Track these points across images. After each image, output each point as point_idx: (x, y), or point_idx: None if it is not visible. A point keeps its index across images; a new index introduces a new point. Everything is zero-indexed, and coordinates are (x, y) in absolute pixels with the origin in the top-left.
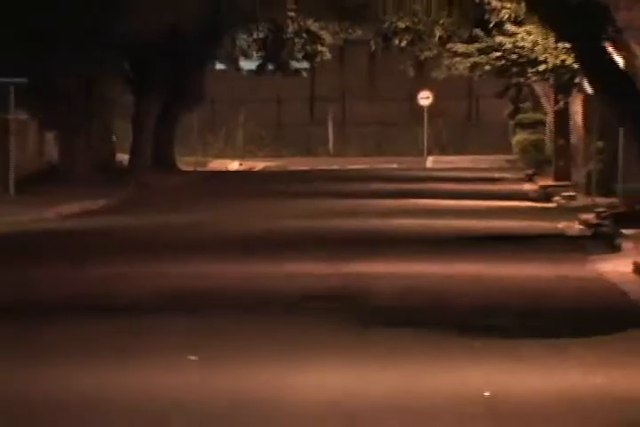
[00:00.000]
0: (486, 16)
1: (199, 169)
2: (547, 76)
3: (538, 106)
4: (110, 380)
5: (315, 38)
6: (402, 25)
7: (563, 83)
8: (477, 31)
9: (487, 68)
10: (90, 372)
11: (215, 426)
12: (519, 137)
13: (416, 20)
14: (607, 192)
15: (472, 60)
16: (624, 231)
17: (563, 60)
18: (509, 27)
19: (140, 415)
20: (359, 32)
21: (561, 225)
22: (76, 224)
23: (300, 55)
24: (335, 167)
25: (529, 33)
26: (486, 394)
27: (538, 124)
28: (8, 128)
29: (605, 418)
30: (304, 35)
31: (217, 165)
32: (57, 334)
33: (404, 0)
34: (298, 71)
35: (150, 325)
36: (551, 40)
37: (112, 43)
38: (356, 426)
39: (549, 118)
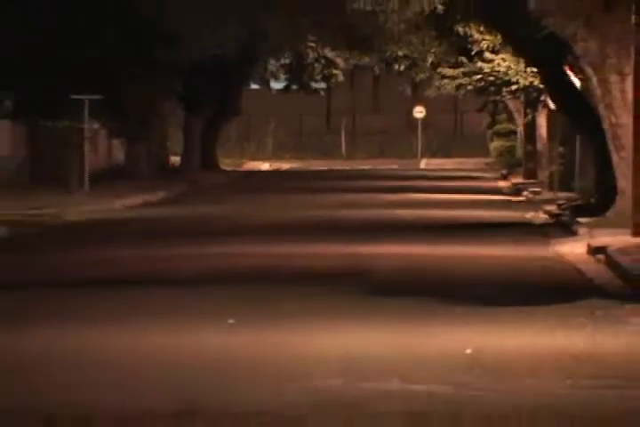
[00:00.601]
0: (469, 46)
1: (237, 169)
2: (518, 94)
3: (511, 118)
4: (169, 336)
5: (330, 64)
6: (400, 53)
7: (531, 100)
8: (462, 58)
9: (470, 88)
10: (155, 331)
11: (244, 376)
12: (496, 144)
13: (412, 49)
14: (566, 188)
15: (457, 81)
16: (579, 220)
17: (531, 82)
18: (488, 55)
19: (185, 366)
20: (366, 59)
21: (529, 215)
22: (138, 213)
23: (318, 77)
24: (347, 168)
25: (504, 60)
26: (468, 351)
27: (511, 134)
28: (83, 135)
29: (565, 370)
30: (322, 61)
31: (251, 166)
32: (129, 301)
33: (402, 33)
34: (316, 90)
35: (199, 294)
36: (522, 65)
37: (169, 67)
38: (357, 369)
39: (520, 129)
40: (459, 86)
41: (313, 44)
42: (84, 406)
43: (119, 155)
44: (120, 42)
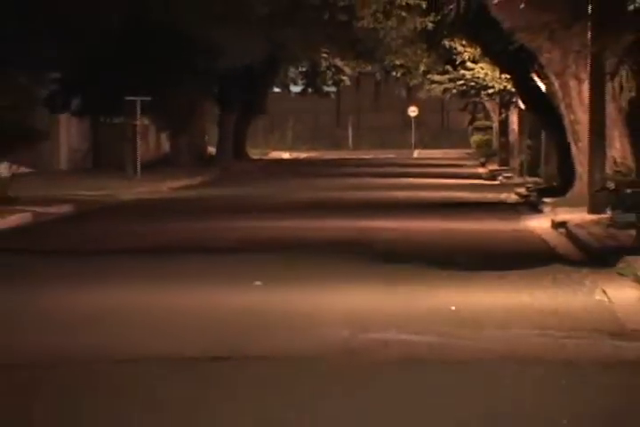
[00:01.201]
0: (454, 57)
1: (262, 158)
2: (494, 97)
3: (488, 116)
4: (207, 295)
5: (339, 71)
6: (397, 62)
7: (504, 101)
8: (448, 67)
9: (454, 91)
10: (195, 290)
11: (268, 327)
12: (475, 137)
13: (407, 59)
14: (533, 174)
15: (444, 86)
16: (544, 200)
17: (505, 86)
18: (469, 64)
19: (220, 319)
20: (369, 67)
21: (503, 196)
22: (180, 194)
23: (329, 82)
24: (353, 157)
25: (482, 68)
26: (452, 308)
27: (488, 129)
28: (136, 130)
29: (531, 322)
30: (332, 69)
31: (274, 155)
32: (173, 265)
33: (399, 46)
34: (328, 93)
35: (232, 260)
36: (497, 73)
37: (207, 74)
38: (361, 322)
39: (495, 125)
40: (445, 90)
41: (325, 55)
42: (141, 349)
43: (165, 146)
44: (168, 54)
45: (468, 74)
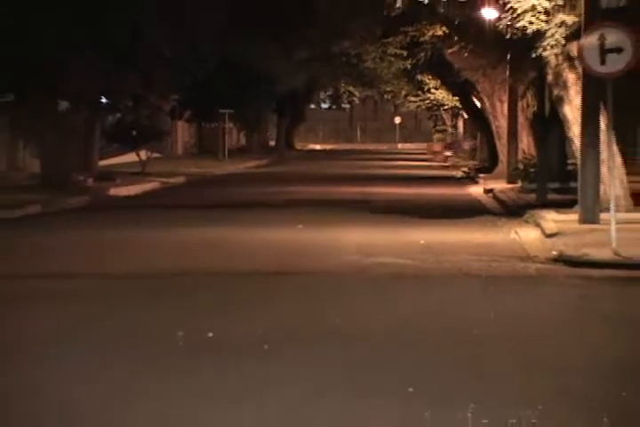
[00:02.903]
0: (423, 85)
1: (303, 148)
2: (448, 110)
3: (444, 123)
4: (264, 234)
5: (352, 94)
6: (388, 89)
7: (455, 113)
8: (419, 92)
9: (423, 107)
10: (257, 231)
11: (305, 254)
12: (436, 136)
13: (394, 87)
14: (474, 159)
15: (417, 104)
16: (480, 175)
17: (455, 104)
18: (433, 90)
19: (274, 248)
20: (370, 92)
21: (454, 172)
22: (252, 171)
23: (345, 101)
24: (360, 148)
25: (441, 93)
26: (422, 242)
27: (444, 131)
28: (224, 130)
29: (474, 251)
30: (347, 93)
31: (310, 147)
32: (243, 215)
33: (389, 79)
34: (344, 108)
35: (281, 212)
36: (450, 95)
37: (268, 94)
38: (366, 251)
39: (449, 129)
40: (417, 106)
41: (343, 84)
42: (227, 266)
43: (242, 141)
44: (244, 81)
45: (432, 96)
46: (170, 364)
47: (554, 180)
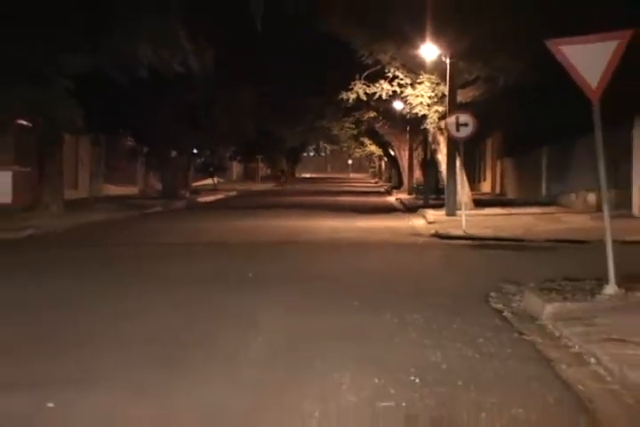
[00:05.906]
0: (364, 143)
1: (300, 177)
2: (377, 156)
3: (375, 163)
4: (274, 222)
5: (325, 147)
6: (345, 144)
7: (380, 158)
8: (361, 146)
9: (364, 155)
10: (272, 220)
11: (304, 232)
12: (371, 170)
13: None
14: (389, 181)
15: (359, 153)
16: (393, 190)
17: (380, 153)
18: (369, 145)
19: (280, 230)
20: (335, 146)
21: (380, 189)
22: (272, 188)
23: (322, 152)
24: (330, 176)
25: (371, 145)
26: (363, 226)
27: (375, 167)
28: (258, 167)
29: (397, 232)
30: (324, 146)
31: (304, 175)
32: (272, 212)
33: (345, 138)
34: (322, 155)
35: (287, 212)
36: (378, 148)
37: (279, 149)
38: (339, 233)
39: (377, 166)
40: (360, 154)
41: (321, 142)
42: (253, 239)
43: (267, 172)
44: (267, 141)
45: (368, 149)
46: (236, 288)
47: (432, 193)
